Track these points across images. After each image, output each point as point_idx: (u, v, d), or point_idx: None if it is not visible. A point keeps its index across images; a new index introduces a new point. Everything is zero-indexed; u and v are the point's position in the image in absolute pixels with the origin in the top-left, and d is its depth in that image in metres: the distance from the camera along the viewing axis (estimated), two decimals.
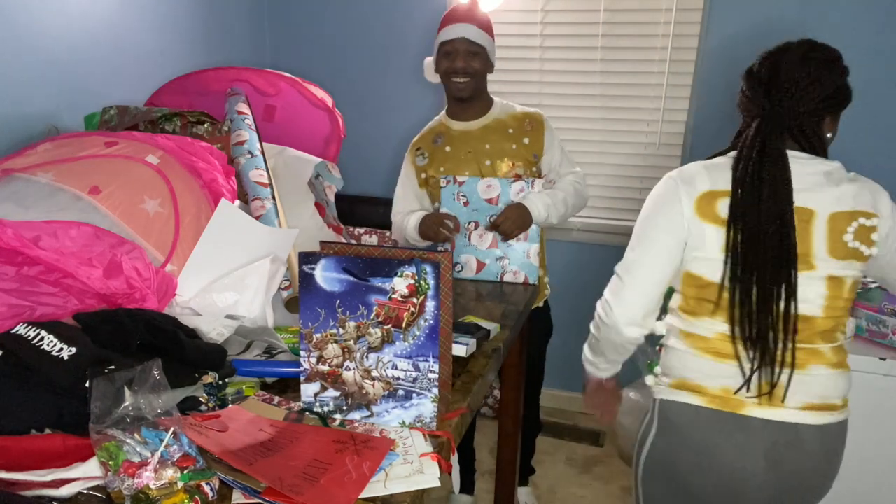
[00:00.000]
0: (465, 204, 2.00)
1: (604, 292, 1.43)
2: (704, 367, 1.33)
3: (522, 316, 1.85)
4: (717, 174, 1.32)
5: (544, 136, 2.12)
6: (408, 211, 2.20)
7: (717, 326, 1.32)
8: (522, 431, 2.47)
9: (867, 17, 2.47)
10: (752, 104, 1.34)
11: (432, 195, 2.16)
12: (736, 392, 1.30)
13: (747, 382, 1.28)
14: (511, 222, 1.95)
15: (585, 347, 1.54)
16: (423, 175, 2.17)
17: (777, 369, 1.27)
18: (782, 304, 1.26)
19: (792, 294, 1.25)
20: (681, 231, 1.32)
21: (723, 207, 1.29)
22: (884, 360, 2.03)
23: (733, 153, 1.34)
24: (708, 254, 1.30)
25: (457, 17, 2.04)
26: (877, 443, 2.07)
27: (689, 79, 2.73)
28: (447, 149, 2.14)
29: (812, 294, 1.28)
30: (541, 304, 2.32)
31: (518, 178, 1.99)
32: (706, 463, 1.33)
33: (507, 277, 1.98)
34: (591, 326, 1.48)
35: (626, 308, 1.37)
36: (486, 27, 2.06)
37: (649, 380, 1.47)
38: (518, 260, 1.98)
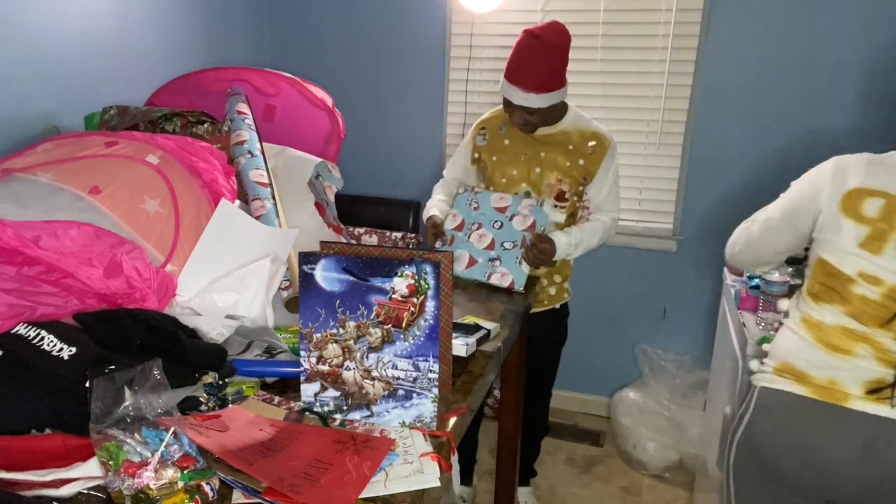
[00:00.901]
0: (476, 209, 2.05)
1: (737, 230, 1.63)
2: (817, 358, 1.34)
3: (521, 316, 1.85)
4: (875, 172, 1.32)
5: (602, 164, 2.10)
6: (447, 181, 2.29)
7: (840, 318, 1.33)
8: (529, 433, 2.47)
9: (867, 17, 2.47)
10: None
11: (481, 174, 2.23)
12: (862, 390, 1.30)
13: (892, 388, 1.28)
14: (536, 256, 1.95)
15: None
16: (477, 155, 2.21)
17: None
18: None
19: None
20: (815, 212, 1.38)
21: (871, 206, 1.30)
22: None
23: None
24: (842, 245, 1.32)
25: (515, 76, 1.96)
26: None
27: (689, 79, 2.73)
28: (506, 142, 2.17)
29: None
30: (557, 306, 2.32)
31: (529, 195, 2.03)
32: (804, 454, 1.34)
33: (494, 278, 1.97)
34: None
35: (746, 252, 1.59)
36: (547, 83, 1.95)
37: (754, 364, 1.52)
38: (509, 263, 1.98)
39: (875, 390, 1.29)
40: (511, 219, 2.00)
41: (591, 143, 2.10)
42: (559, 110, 2.11)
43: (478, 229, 2.02)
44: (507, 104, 2.05)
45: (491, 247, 2.00)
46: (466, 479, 2.64)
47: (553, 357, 2.45)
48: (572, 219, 2.18)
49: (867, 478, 1.31)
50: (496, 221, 2.01)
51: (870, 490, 1.33)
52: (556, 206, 2.11)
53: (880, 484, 1.31)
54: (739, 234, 1.61)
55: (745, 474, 1.47)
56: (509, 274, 1.98)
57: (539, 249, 1.94)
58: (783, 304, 1.64)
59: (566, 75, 2.02)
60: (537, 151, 2.12)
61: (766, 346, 1.53)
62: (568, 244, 2.04)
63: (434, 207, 2.18)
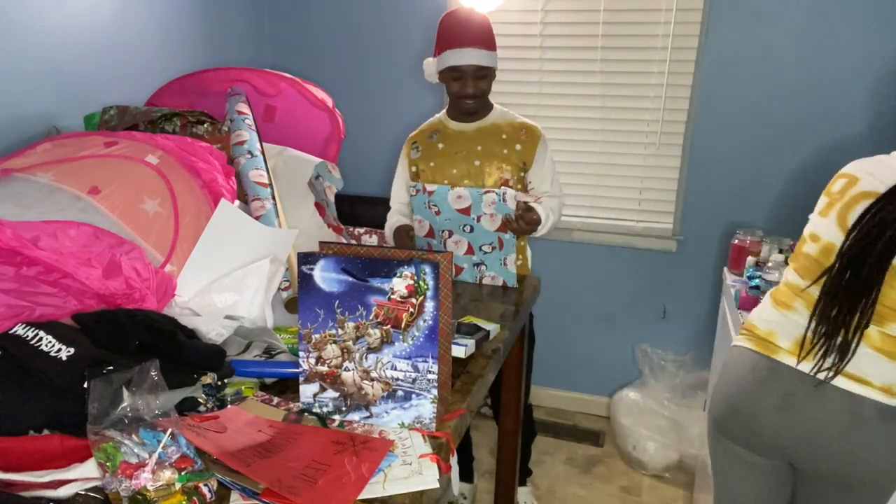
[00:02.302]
0: (437, 213, 1.98)
1: None
2: (765, 312, 1.46)
3: (522, 316, 1.85)
4: (859, 163, 1.41)
5: (537, 149, 2.14)
6: (396, 208, 2.27)
7: (789, 276, 1.44)
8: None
9: (866, 16, 2.46)
10: None
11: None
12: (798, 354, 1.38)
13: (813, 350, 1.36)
14: (522, 227, 1.93)
15: None
16: (414, 168, 2.20)
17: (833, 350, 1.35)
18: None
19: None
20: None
21: (836, 185, 1.40)
22: None
23: None
24: (811, 215, 1.44)
25: (465, 40, 2.01)
26: None
27: (689, 79, 2.72)
28: (440, 146, 2.17)
29: None
30: None
31: (490, 191, 1.94)
32: (736, 401, 1.44)
33: (486, 282, 1.99)
34: None
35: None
36: (491, 40, 2.05)
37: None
38: (495, 267, 1.98)
39: (803, 347, 1.37)
40: (478, 220, 1.95)
41: (523, 131, 2.14)
42: (487, 106, 2.16)
43: (450, 237, 1.99)
44: (455, 79, 2.05)
45: (470, 252, 1.99)
46: (467, 476, 2.64)
47: (528, 363, 2.38)
48: None
49: (787, 429, 1.38)
50: (465, 225, 1.96)
51: (791, 443, 1.39)
52: (518, 189, 2.10)
53: (799, 439, 1.38)
54: None
55: (714, 445, 1.54)
56: (499, 276, 1.98)
57: (526, 220, 1.93)
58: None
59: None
60: (473, 146, 2.13)
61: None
62: (546, 216, 2.02)
63: (395, 222, 2.18)
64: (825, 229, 1.39)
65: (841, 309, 1.31)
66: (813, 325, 1.35)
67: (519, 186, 2.14)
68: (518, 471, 2.50)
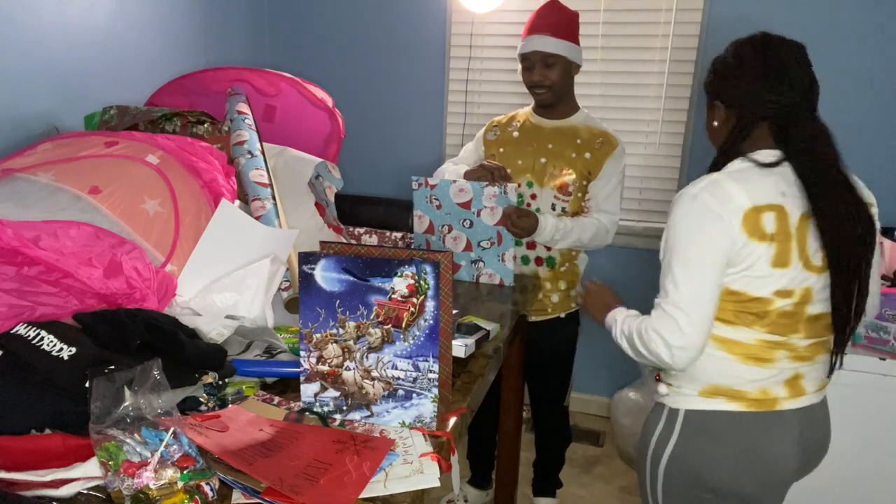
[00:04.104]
0: (438, 207, 1.98)
1: (653, 330, 1.31)
2: (745, 373, 1.33)
3: (517, 316, 1.85)
4: (750, 188, 1.26)
5: (607, 162, 2.09)
6: (451, 164, 2.29)
7: (759, 335, 1.32)
8: (550, 443, 2.45)
9: (865, 17, 2.47)
10: (771, 100, 1.31)
11: None
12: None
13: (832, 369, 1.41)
14: (510, 230, 1.93)
15: (622, 342, 1.44)
16: (490, 151, 2.24)
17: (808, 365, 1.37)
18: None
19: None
20: (729, 251, 1.26)
21: (768, 222, 1.25)
22: (883, 359, 2.03)
23: (757, 158, 1.31)
24: (756, 271, 1.27)
25: (533, 28, 2.04)
26: (876, 443, 2.07)
27: (689, 79, 2.73)
28: (515, 135, 2.19)
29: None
30: (561, 316, 2.27)
31: (491, 184, 1.95)
32: (748, 463, 1.35)
33: (483, 280, 1.99)
34: (637, 353, 1.38)
35: (693, 348, 1.29)
36: (565, 31, 2.04)
37: (663, 388, 1.43)
38: (493, 263, 1.98)
39: (792, 384, 1.36)
40: (479, 214, 1.95)
41: (600, 140, 2.11)
42: (572, 103, 2.15)
43: (449, 232, 1.99)
44: (526, 68, 2.08)
45: (468, 248, 1.99)
46: (483, 482, 2.60)
47: (558, 369, 2.38)
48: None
49: (801, 461, 1.40)
50: (465, 220, 1.97)
51: (805, 470, 1.44)
52: (556, 197, 2.11)
53: (807, 462, 1.42)
54: (675, 339, 1.29)
55: (673, 489, 1.43)
56: (496, 274, 1.98)
57: (512, 222, 1.92)
58: None
59: (579, 42, 2.10)
60: (545, 143, 2.13)
61: (670, 380, 1.42)
62: (555, 228, 2.01)
63: (454, 166, 2.21)
64: (794, 280, 1.28)
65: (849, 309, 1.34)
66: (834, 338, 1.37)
67: (579, 195, 2.13)
68: (544, 480, 2.49)
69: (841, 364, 1.40)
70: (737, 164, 1.32)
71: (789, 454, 1.37)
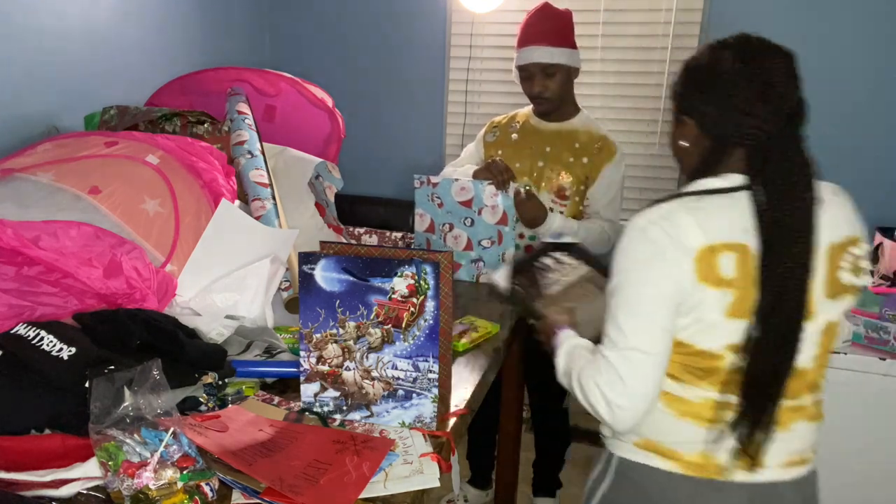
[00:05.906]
0: (440, 206, 1.98)
1: (594, 383, 1.11)
2: (684, 432, 1.14)
3: (517, 315, 1.85)
4: (708, 223, 1.07)
5: (605, 168, 2.07)
6: (453, 168, 2.24)
7: (705, 393, 1.13)
8: (550, 444, 2.44)
9: (865, 17, 2.47)
10: (752, 124, 1.08)
11: None
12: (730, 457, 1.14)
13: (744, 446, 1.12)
14: (522, 209, 1.94)
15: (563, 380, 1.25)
16: (489, 153, 2.21)
17: (765, 431, 1.12)
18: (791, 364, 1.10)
19: (799, 351, 1.10)
20: (676, 296, 1.07)
21: (726, 264, 1.05)
22: (884, 359, 2.03)
23: (722, 184, 1.11)
24: (706, 320, 1.08)
25: (529, 38, 2.01)
26: (876, 443, 2.07)
27: None
28: (514, 136, 2.18)
29: (808, 344, 1.11)
30: None
31: (492, 183, 1.93)
32: None
33: (483, 279, 1.98)
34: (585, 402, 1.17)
35: (636, 409, 1.10)
36: (562, 38, 2.01)
37: (606, 430, 1.25)
38: (492, 263, 1.98)
39: (748, 456, 1.13)
40: (480, 212, 1.95)
41: (598, 144, 2.09)
42: (572, 106, 2.13)
43: (450, 230, 1.99)
44: (525, 78, 2.05)
45: (469, 247, 1.99)
46: (483, 482, 2.59)
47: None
48: None
49: None
50: (466, 218, 1.97)
51: None
52: (553, 201, 2.10)
53: None
54: (614, 397, 1.09)
55: None
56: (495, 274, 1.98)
57: (519, 200, 1.92)
58: None
59: (576, 44, 2.07)
60: (543, 145, 2.12)
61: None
62: (562, 225, 2.00)
63: (458, 167, 2.18)
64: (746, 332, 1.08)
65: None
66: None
67: (577, 199, 2.12)
68: (544, 480, 2.47)
69: (750, 437, 1.11)
70: (699, 187, 1.12)
71: None
